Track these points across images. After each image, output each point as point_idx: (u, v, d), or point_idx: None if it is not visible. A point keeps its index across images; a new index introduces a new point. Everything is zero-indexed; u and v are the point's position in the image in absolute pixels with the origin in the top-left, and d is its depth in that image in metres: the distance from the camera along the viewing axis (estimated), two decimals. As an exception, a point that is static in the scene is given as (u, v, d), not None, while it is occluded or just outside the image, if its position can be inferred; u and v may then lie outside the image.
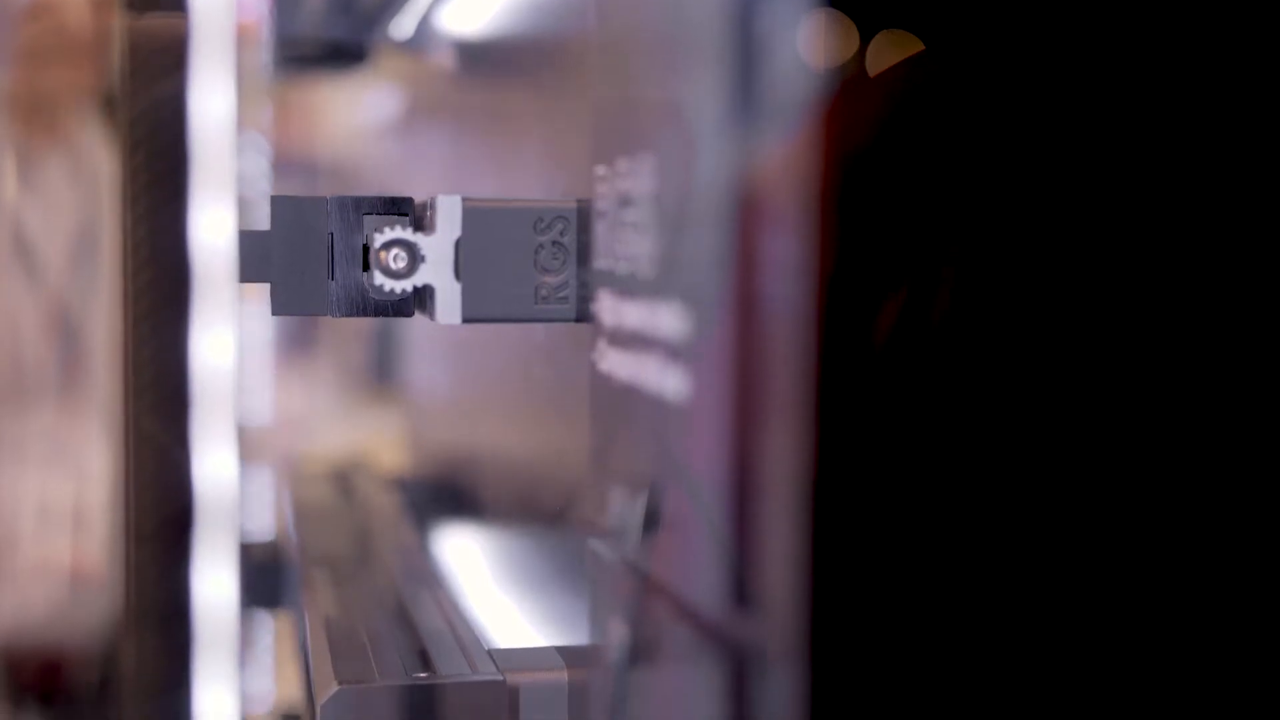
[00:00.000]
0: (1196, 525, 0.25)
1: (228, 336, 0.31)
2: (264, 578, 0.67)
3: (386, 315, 0.36)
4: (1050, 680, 0.25)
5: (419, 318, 0.37)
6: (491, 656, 0.38)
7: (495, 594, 0.55)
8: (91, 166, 1.12)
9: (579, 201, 0.35)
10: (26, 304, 1.09)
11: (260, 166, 0.96)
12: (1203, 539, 0.25)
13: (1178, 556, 0.25)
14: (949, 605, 0.24)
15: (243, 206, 0.38)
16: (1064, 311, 0.25)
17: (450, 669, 0.37)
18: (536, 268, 0.35)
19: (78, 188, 1.13)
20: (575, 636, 0.41)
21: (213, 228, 0.31)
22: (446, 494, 0.66)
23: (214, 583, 0.31)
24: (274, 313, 0.36)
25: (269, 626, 1.16)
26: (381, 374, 0.96)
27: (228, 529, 0.30)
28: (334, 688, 0.36)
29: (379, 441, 0.89)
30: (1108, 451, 0.25)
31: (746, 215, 0.24)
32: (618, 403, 0.31)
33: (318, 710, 0.36)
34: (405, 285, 0.35)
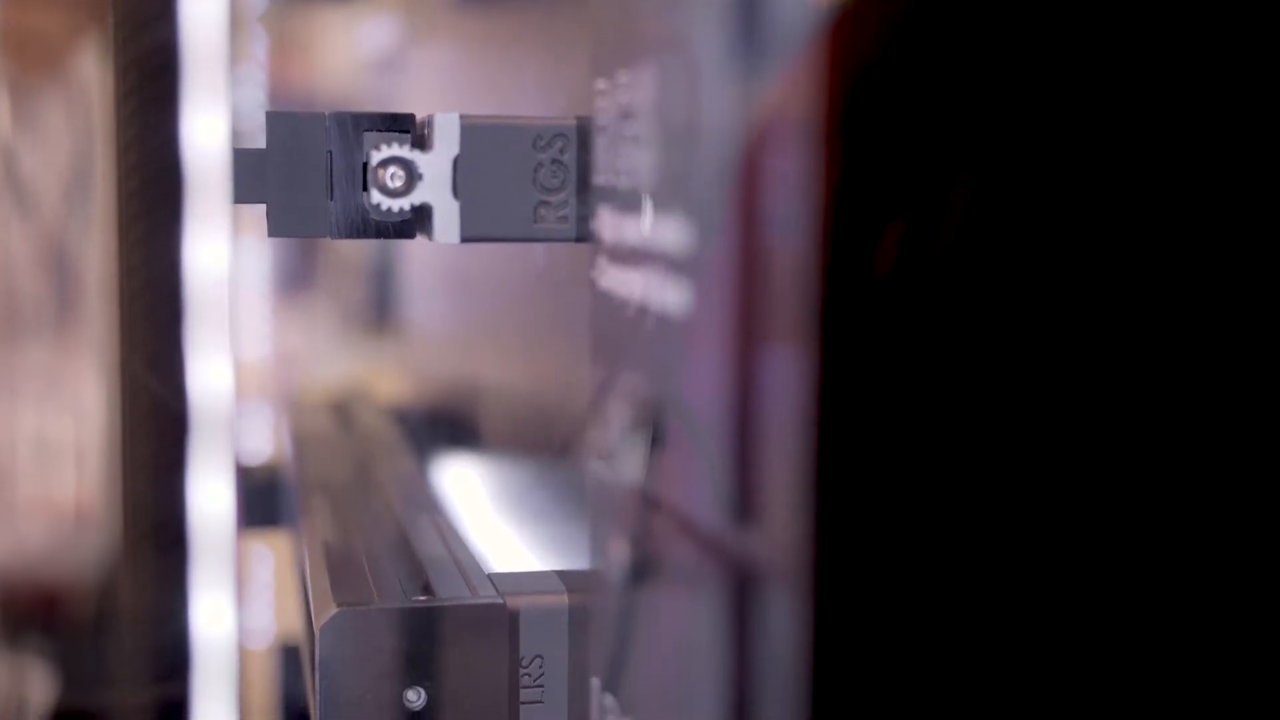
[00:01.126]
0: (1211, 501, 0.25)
1: (222, 246, 0.30)
2: (262, 502, 0.67)
3: (388, 237, 0.36)
4: (1056, 606, 0.25)
5: (418, 250, 0.36)
6: (491, 580, 0.38)
7: (495, 522, 0.55)
8: (86, 101, 1.11)
9: (579, 119, 0.35)
10: (20, 239, 1.09)
11: (257, 99, 0.95)
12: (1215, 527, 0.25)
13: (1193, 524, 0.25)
14: (952, 525, 0.24)
15: (239, 140, 0.37)
16: (1075, 239, 0.24)
17: (450, 592, 0.37)
18: (536, 186, 0.35)
19: (72, 122, 1.12)
20: (576, 563, 0.41)
21: (206, 135, 0.31)
22: (445, 424, 0.66)
23: (210, 495, 0.30)
24: (270, 234, 0.35)
25: (268, 557, 1.17)
26: (381, 313, 0.96)
27: (223, 440, 0.30)
28: (333, 610, 0.35)
29: (378, 374, 0.89)
30: (1114, 385, 0.25)
31: (750, 134, 0.24)
32: (618, 320, 0.31)
33: (316, 633, 0.36)
34: (403, 204, 0.35)
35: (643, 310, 0.29)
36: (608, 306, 0.31)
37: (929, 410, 0.24)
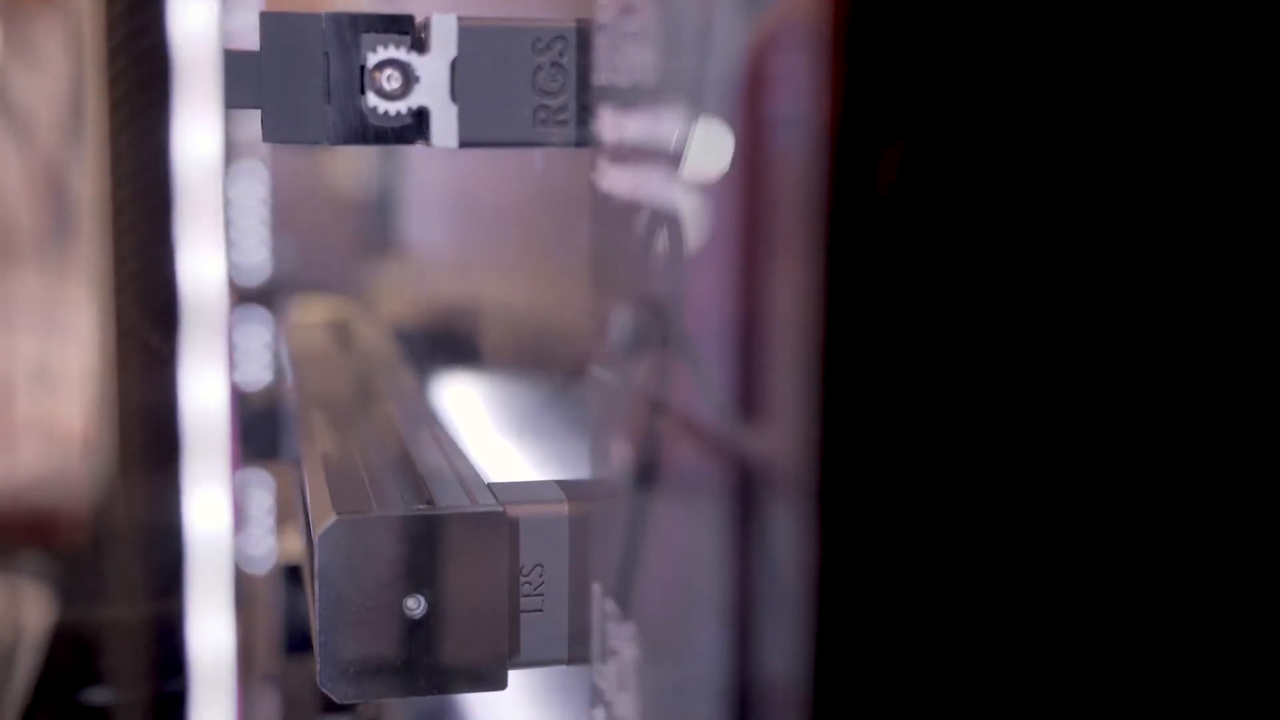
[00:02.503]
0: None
1: (211, 131, 0.30)
2: (261, 430, 0.67)
3: (386, 142, 0.35)
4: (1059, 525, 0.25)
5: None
6: (491, 490, 0.38)
7: (495, 439, 0.54)
8: (79, 28, 1.10)
9: (578, 21, 0.34)
10: (15, 167, 1.08)
11: (251, 22, 0.94)
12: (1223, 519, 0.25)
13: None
14: (954, 432, 0.24)
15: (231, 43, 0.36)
16: (1082, 170, 0.24)
17: (449, 501, 0.37)
18: (535, 90, 0.34)
19: (66, 50, 1.11)
20: (576, 476, 0.40)
21: (197, 24, 0.30)
22: (446, 343, 0.66)
23: (205, 392, 0.30)
24: (265, 139, 0.35)
25: (269, 484, 1.17)
26: (381, 240, 0.95)
27: (217, 334, 0.29)
28: (331, 518, 0.35)
29: (378, 295, 0.88)
30: (1121, 302, 0.24)
31: (756, 37, 0.23)
32: (619, 221, 0.30)
33: (315, 542, 0.35)
34: (400, 107, 0.34)
35: (644, 210, 0.29)
36: (608, 208, 0.31)
37: (935, 317, 0.24)
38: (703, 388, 0.26)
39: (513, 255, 0.53)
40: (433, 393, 0.65)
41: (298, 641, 0.87)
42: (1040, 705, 0.25)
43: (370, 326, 0.70)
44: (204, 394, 0.29)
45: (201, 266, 0.29)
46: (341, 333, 0.67)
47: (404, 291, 0.80)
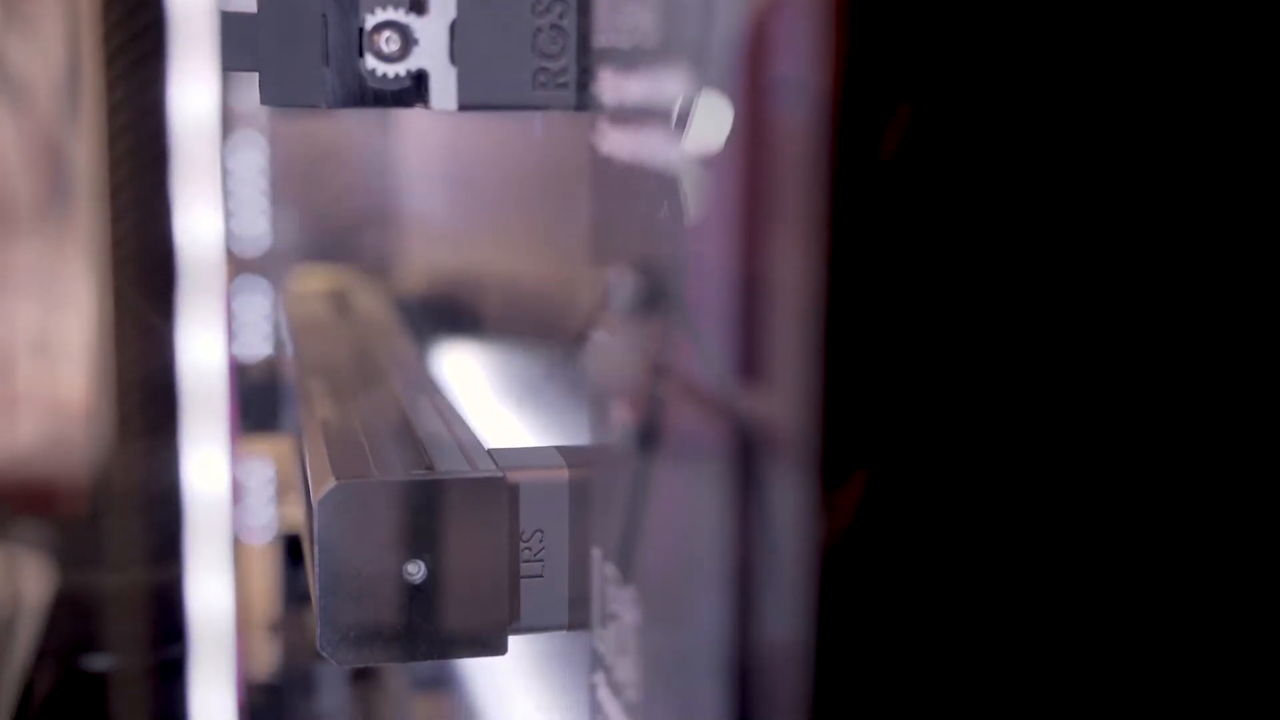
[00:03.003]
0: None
1: (209, 94, 0.29)
2: (261, 402, 0.67)
3: (385, 105, 0.35)
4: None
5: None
6: (491, 455, 0.38)
7: (495, 407, 0.54)
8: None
9: (579, -17, 0.34)
10: (12, 136, 1.08)
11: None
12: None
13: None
14: (957, 406, 0.24)
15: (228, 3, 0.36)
16: (1088, 139, 0.24)
17: (449, 467, 0.37)
18: (534, 52, 0.34)
19: (63, 17, 1.11)
20: (577, 443, 0.40)
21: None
22: (446, 312, 0.65)
23: (201, 346, 0.30)
24: (262, 102, 0.35)
25: (268, 459, 1.17)
26: (380, 211, 0.95)
27: (214, 292, 0.29)
28: (330, 483, 0.35)
29: (377, 264, 0.88)
30: (1128, 268, 0.24)
31: (757, 0, 0.23)
32: (619, 184, 0.30)
33: (314, 507, 0.35)
34: (399, 70, 0.34)
35: (645, 173, 0.29)
36: (608, 171, 0.31)
37: (938, 284, 0.23)
38: (701, 353, 0.26)
39: (513, 224, 0.52)
40: (432, 361, 0.65)
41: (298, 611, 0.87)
42: (1043, 666, 0.25)
43: (370, 296, 0.70)
44: (201, 353, 0.29)
45: (199, 227, 0.29)
46: (340, 302, 0.66)
47: (404, 261, 0.80)
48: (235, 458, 0.39)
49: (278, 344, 0.83)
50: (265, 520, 1.19)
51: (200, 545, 0.32)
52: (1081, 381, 0.24)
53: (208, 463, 0.32)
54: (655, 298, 0.28)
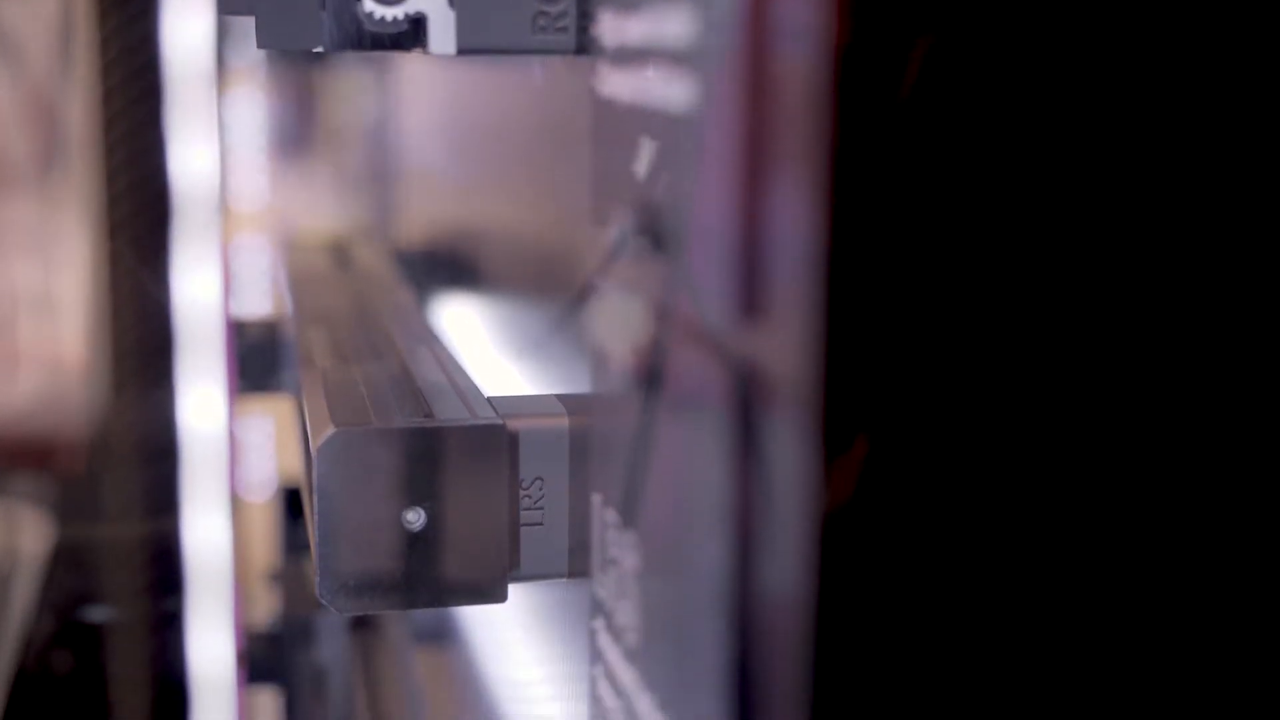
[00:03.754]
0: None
1: (203, 30, 0.29)
2: (260, 362, 0.66)
3: (383, 49, 0.34)
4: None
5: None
6: (491, 403, 0.38)
7: (495, 358, 0.54)
8: None
9: (579, -75, 0.34)
10: (6, 94, 1.07)
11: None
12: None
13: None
14: (961, 347, 0.24)
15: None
16: (1100, 84, 0.23)
17: (449, 415, 0.36)
18: (534, -5, 0.34)
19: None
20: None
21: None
22: (446, 265, 0.65)
23: (198, 285, 0.30)
24: (259, 45, 0.34)
25: (267, 414, 1.17)
26: (379, 174, 0.94)
27: (208, 226, 0.29)
28: (329, 431, 0.35)
29: (376, 218, 0.88)
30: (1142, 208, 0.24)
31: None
32: (619, 126, 0.30)
33: (313, 455, 0.35)
34: (397, 13, 0.33)
35: (645, 112, 0.28)
36: (609, 114, 0.30)
37: (941, 224, 0.23)
38: (702, 297, 0.26)
39: (514, 176, 0.52)
40: (432, 314, 0.65)
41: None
42: (1043, 633, 0.24)
43: (369, 249, 0.69)
44: (198, 292, 0.29)
45: (195, 163, 0.28)
46: (340, 255, 0.66)
47: (403, 214, 0.80)
48: (233, 415, 0.39)
49: (277, 300, 0.82)
50: (264, 476, 1.19)
51: (196, 486, 0.32)
52: (1094, 344, 0.24)
53: (204, 404, 0.32)
54: (656, 242, 0.28)
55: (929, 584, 0.24)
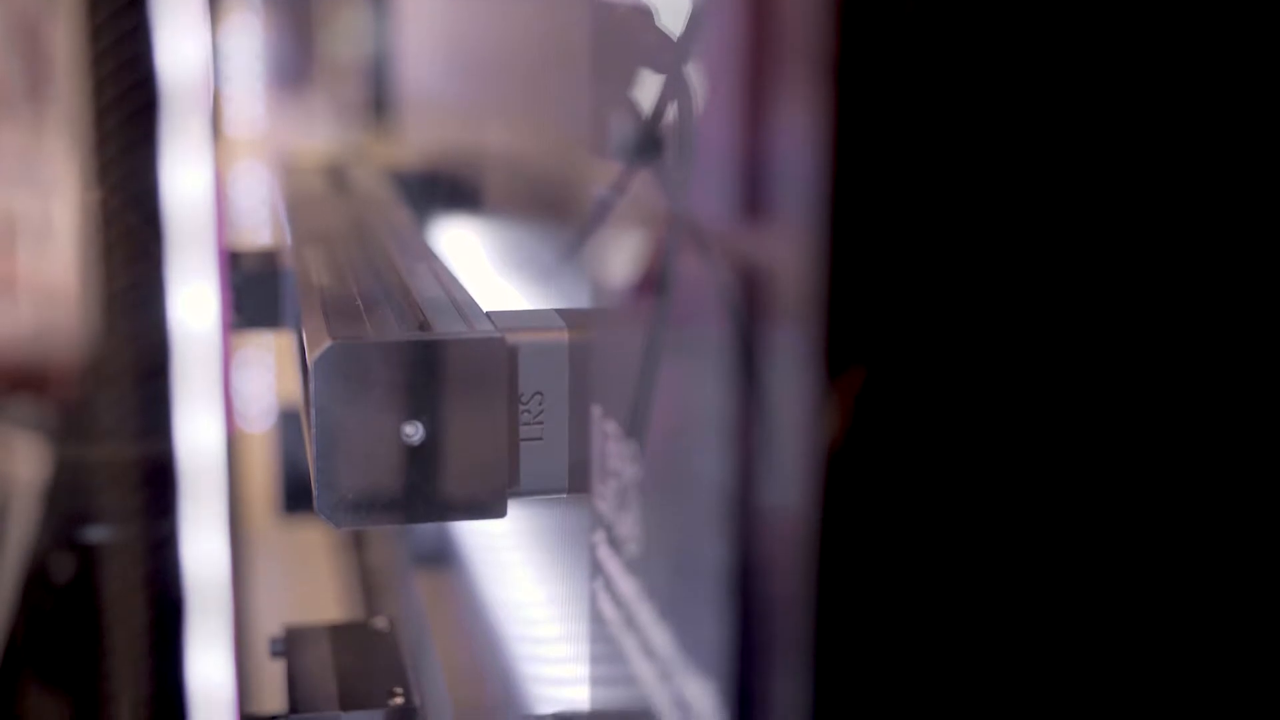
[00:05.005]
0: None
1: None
2: (259, 296, 0.64)
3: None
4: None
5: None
6: (489, 318, 0.37)
7: (494, 279, 0.54)
8: None
9: None
10: None
11: None
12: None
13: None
14: (965, 245, 0.23)
15: None
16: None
17: (447, 328, 0.36)
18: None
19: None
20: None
21: None
22: (445, 187, 0.64)
23: (188, 178, 0.29)
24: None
25: (268, 345, 1.16)
26: (378, 109, 0.93)
27: (199, 116, 0.28)
28: (327, 343, 0.34)
29: (375, 143, 0.87)
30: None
31: None
32: (619, 26, 0.29)
33: (310, 368, 0.35)
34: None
35: (645, 13, 0.28)
36: (608, 14, 0.30)
37: (946, 127, 0.23)
38: (704, 195, 0.25)
39: (513, 104, 0.51)
40: (431, 235, 0.64)
41: (296, 497, 0.87)
42: (1041, 567, 0.24)
43: (367, 171, 0.69)
44: (187, 182, 0.28)
45: (183, 67, 0.28)
46: (337, 177, 0.65)
47: (402, 139, 0.79)
48: (228, 348, 0.38)
49: (275, 228, 0.81)
50: (263, 407, 1.19)
51: (188, 375, 0.32)
52: (1108, 255, 0.23)
53: (195, 298, 0.31)
54: (657, 142, 0.28)
55: (929, 500, 0.23)
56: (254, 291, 0.60)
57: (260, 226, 0.99)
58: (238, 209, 1.08)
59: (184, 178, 0.29)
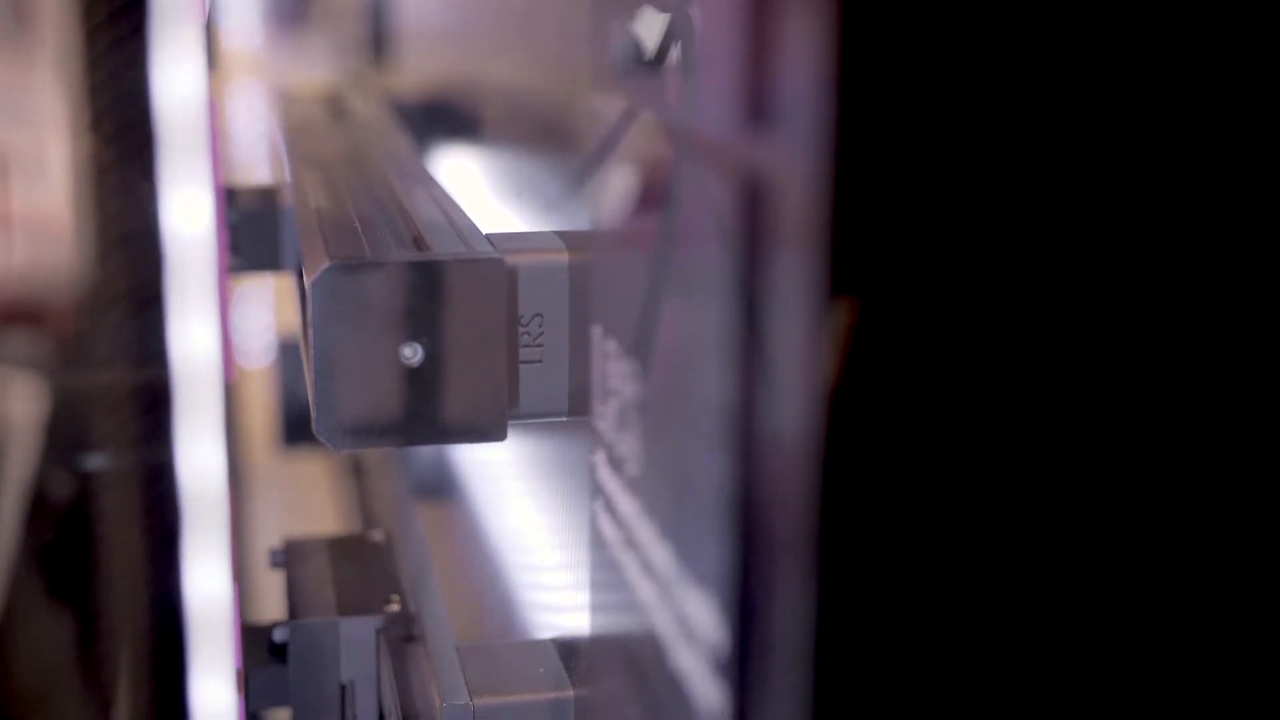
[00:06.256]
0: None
1: None
2: (257, 235, 0.62)
3: None
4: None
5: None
6: (489, 239, 0.37)
7: (495, 207, 0.53)
8: None
9: None
10: None
11: None
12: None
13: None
14: (973, 139, 0.23)
15: None
16: None
17: (445, 249, 0.36)
18: None
19: None
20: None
21: None
22: (444, 116, 0.64)
23: (180, 81, 0.28)
24: None
25: (266, 283, 1.16)
26: (377, 52, 0.92)
27: (191, 23, 0.28)
28: (324, 264, 0.34)
29: (374, 73, 0.86)
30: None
31: None
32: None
33: (308, 289, 0.34)
34: None
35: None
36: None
37: (953, 34, 0.22)
38: (707, 104, 0.25)
39: (512, 26, 0.51)
40: (430, 160, 0.64)
41: (296, 429, 0.86)
42: (1044, 486, 0.24)
43: (365, 100, 0.68)
44: (179, 84, 0.27)
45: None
46: (335, 105, 0.65)
47: (401, 69, 0.78)
48: (224, 302, 0.38)
49: (273, 161, 0.81)
50: (262, 344, 1.19)
51: (182, 282, 0.31)
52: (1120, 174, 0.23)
53: (189, 202, 0.31)
54: (658, 52, 0.27)
55: (932, 418, 0.23)
56: (252, 231, 0.58)
57: (258, 163, 0.99)
58: (235, 142, 1.08)
59: (176, 87, 0.29)
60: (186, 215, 0.31)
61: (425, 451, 0.70)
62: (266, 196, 0.58)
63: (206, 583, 0.35)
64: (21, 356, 0.84)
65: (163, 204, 0.31)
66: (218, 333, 0.33)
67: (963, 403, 0.23)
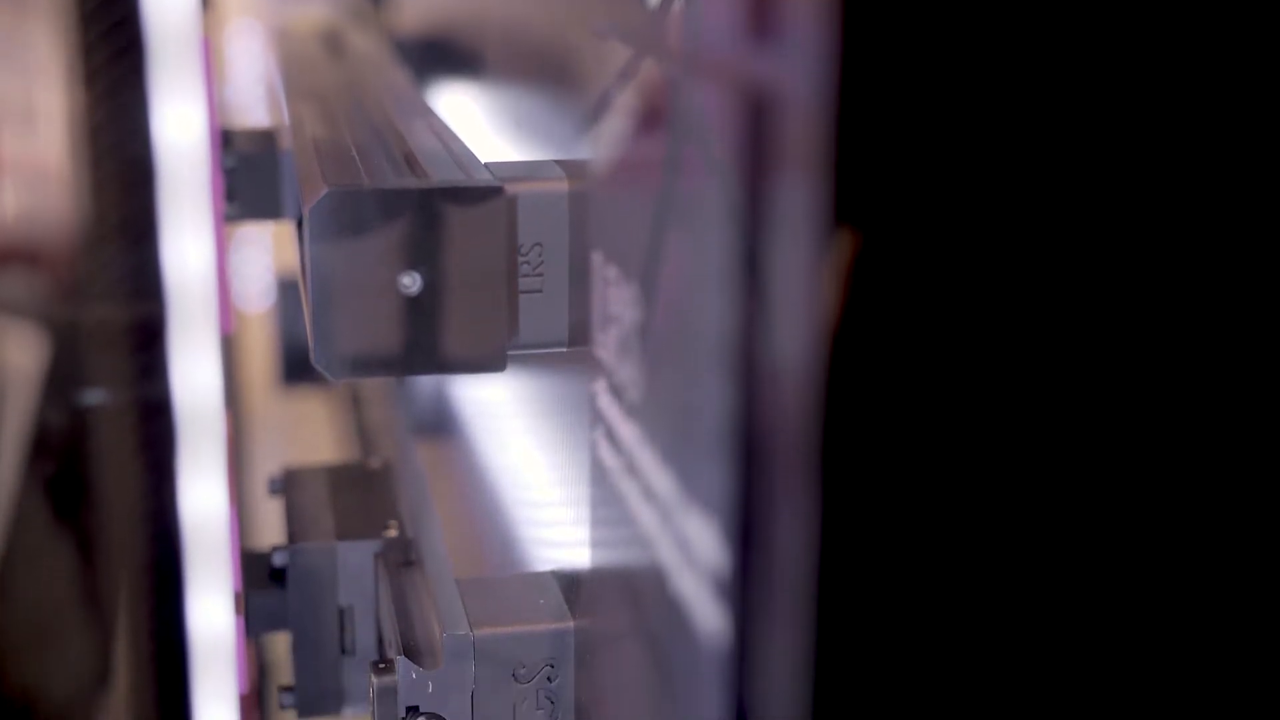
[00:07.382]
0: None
1: None
2: (254, 175, 0.60)
3: None
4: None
5: None
6: (488, 168, 0.37)
7: (494, 141, 0.53)
8: None
9: None
10: None
11: None
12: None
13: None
14: (978, 71, 0.22)
15: None
16: None
17: (444, 177, 0.35)
18: None
19: None
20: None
21: None
22: (445, 54, 0.63)
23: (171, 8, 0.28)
24: None
25: (266, 229, 1.15)
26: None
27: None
28: (322, 190, 0.34)
29: (373, 8, 0.85)
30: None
31: None
32: None
33: (305, 217, 0.34)
34: None
35: None
36: None
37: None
38: (708, 25, 0.24)
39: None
40: (430, 96, 0.63)
41: (295, 368, 0.86)
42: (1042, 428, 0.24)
43: (364, 35, 0.67)
44: (169, 11, 0.27)
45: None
46: (334, 40, 0.64)
47: (400, 4, 0.77)
48: (220, 244, 0.37)
49: (272, 111, 0.80)
50: (260, 287, 1.19)
51: (176, 207, 0.31)
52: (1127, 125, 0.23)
53: (181, 118, 0.30)
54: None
55: (937, 344, 0.23)
56: (249, 176, 0.57)
57: (256, 106, 0.98)
58: (233, 85, 1.07)
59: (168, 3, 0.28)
60: (179, 129, 0.31)
61: (424, 389, 0.69)
62: (265, 140, 0.57)
63: (204, 502, 0.35)
64: (20, 297, 0.83)
65: (154, 120, 0.30)
66: (213, 253, 0.32)
67: (964, 324, 0.23)
